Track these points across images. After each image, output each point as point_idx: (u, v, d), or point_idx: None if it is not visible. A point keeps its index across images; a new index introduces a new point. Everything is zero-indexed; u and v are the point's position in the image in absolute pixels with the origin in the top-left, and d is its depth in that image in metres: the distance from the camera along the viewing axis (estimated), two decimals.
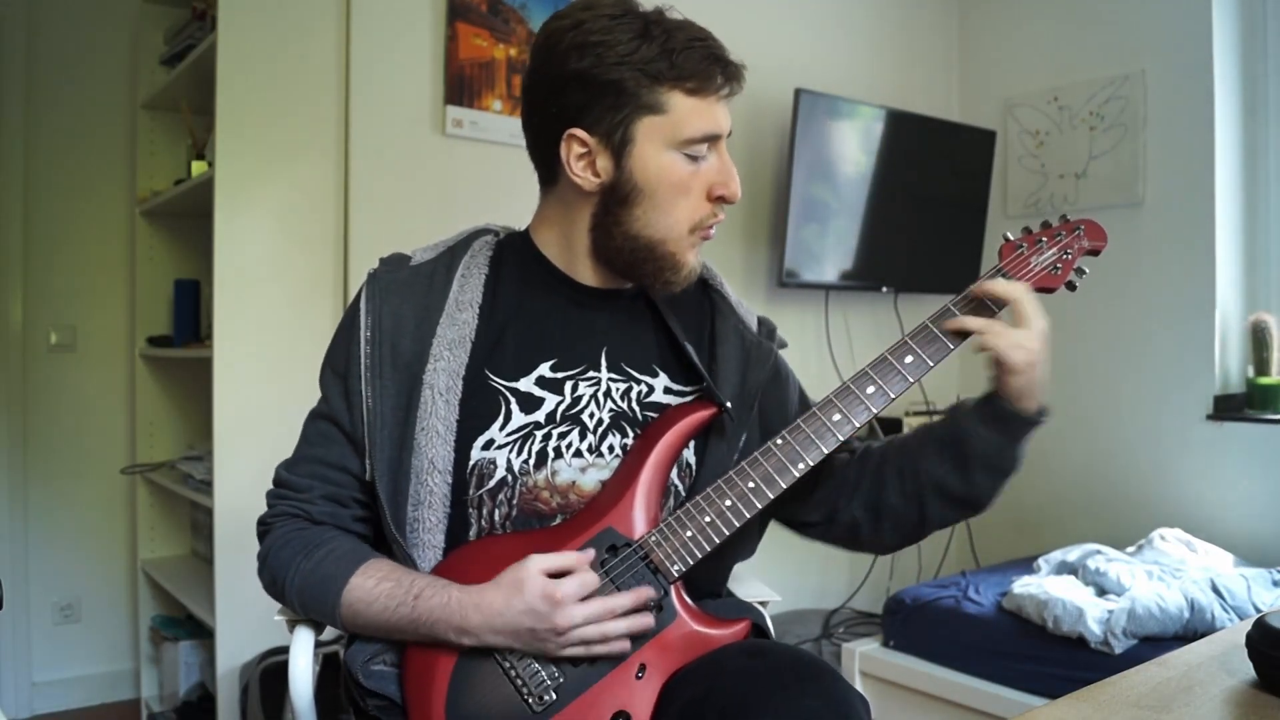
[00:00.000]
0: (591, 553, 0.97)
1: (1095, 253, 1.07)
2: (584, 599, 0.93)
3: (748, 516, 1.00)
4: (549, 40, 1.02)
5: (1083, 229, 1.06)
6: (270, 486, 1.10)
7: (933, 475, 1.07)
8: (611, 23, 0.99)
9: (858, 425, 1.01)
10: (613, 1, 1.01)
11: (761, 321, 1.20)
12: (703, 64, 0.99)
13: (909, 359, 1.02)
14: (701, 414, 1.06)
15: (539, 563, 0.94)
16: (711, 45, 1.01)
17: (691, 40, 0.99)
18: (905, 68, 3.20)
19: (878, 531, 1.13)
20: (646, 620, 0.96)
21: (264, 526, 1.08)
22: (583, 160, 1.02)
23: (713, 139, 1.02)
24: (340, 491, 1.06)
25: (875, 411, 1.01)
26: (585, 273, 1.09)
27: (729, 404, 1.07)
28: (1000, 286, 1.02)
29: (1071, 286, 1.07)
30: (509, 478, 1.02)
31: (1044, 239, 1.07)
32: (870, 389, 1.01)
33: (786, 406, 1.17)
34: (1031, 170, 3.12)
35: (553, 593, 0.92)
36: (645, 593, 0.96)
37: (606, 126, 1.00)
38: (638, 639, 0.97)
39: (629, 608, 0.95)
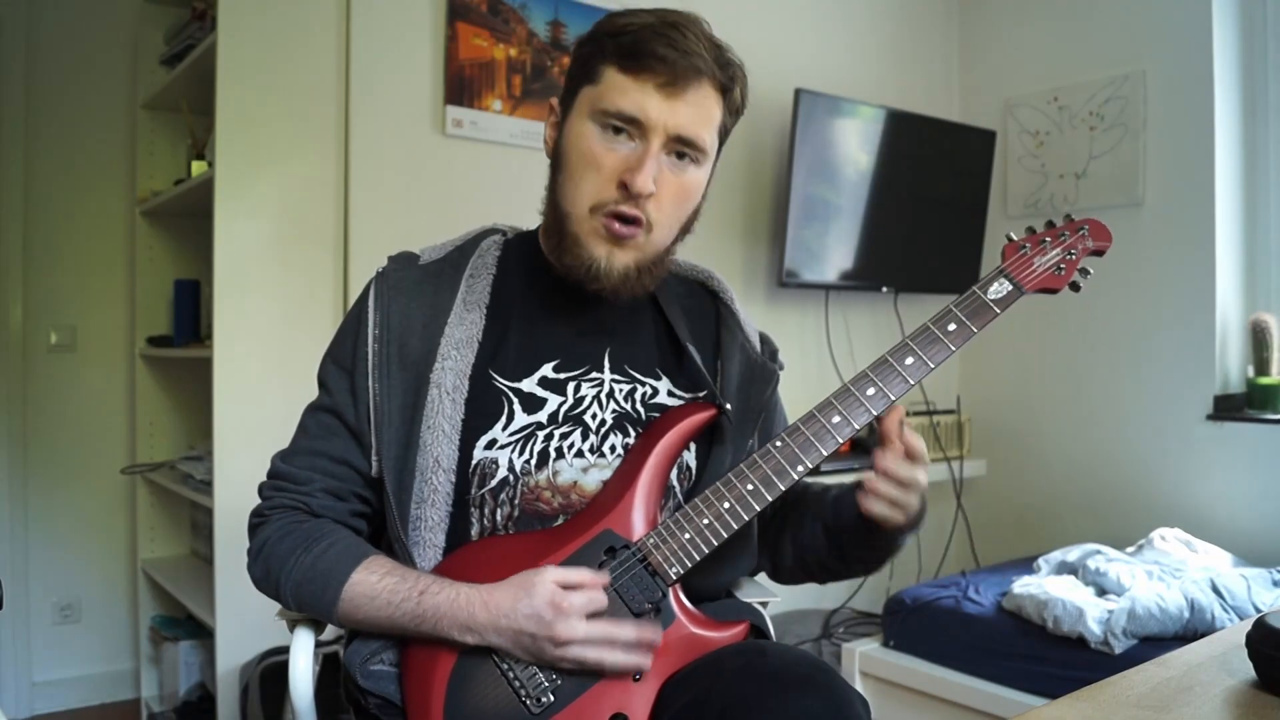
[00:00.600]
0: (608, 576, 0.96)
1: (1100, 253, 1.06)
2: (591, 617, 0.93)
3: (746, 519, 0.99)
4: None
5: (1087, 229, 1.06)
6: (265, 479, 1.08)
7: (818, 555, 1.14)
8: (626, 14, 1.02)
9: (857, 427, 1.00)
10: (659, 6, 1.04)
11: (764, 340, 1.21)
12: (646, 45, 0.98)
13: (909, 360, 1.01)
14: (702, 415, 1.06)
15: (554, 572, 0.94)
16: (673, 36, 0.98)
17: (659, 26, 0.99)
18: (905, 68, 3.20)
19: (781, 580, 1.23)
20: (644, 661, 0.95)
21: (259, 518, 1.06)
22: (553, 129, 1.08)
23: (632, 121, 0.99)
24: (341, 485, 1.05)
25: (875, 414, 1.01)
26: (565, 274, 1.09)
27: (728, 405, 1.07)
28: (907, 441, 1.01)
29: (1075, 287, 1.06)
30: (510, 477, 1.03)
31: (1048, 239, 1.06)
32: (870, 390, 1.01)
33: (768, 441, 1.17)
34: (1031, 170, 3.12)
35: (560, 602, 0.91)
36: (651, 631, 0.95)
37: (566, 95, 1.05)
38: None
39: (631, 640, 0.94)
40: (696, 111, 1.00)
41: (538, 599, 0.92)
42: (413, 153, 2.24)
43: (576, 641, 0.92)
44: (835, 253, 2.80)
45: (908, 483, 1.01)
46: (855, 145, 2.80)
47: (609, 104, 0.99)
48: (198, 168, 2.24)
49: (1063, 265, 1.04)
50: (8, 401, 2.62)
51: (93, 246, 2.72)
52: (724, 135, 1.07)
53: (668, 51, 0.97)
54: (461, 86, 2.28)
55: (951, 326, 1.02)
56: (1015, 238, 1.07)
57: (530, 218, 1.16)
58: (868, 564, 1.13)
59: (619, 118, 0.99)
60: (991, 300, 1.02)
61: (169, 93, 2.50)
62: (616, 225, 1.00)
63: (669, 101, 0.99)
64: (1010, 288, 1.03)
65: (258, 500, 1.08)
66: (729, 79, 1.03)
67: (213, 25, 2.09)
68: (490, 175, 2.32)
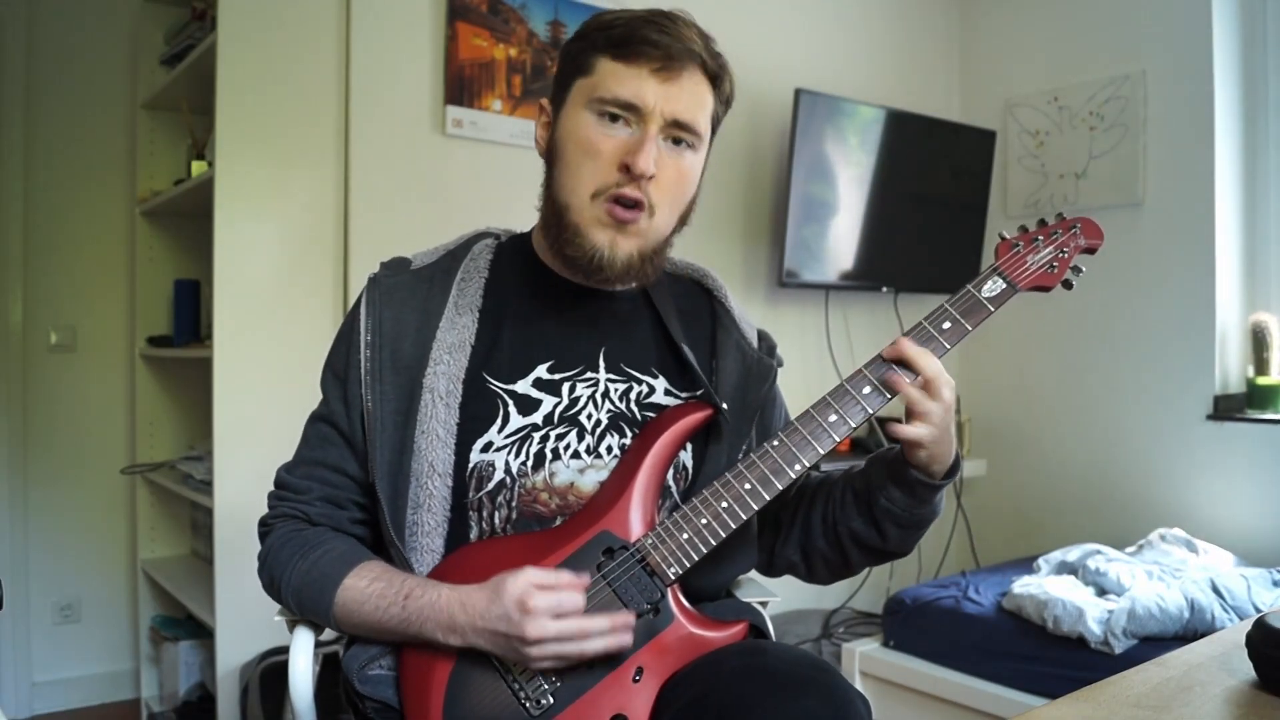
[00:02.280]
0: (587, 578, 0.95)
1: (1092, 251, 1.07)
2: (561, 617, 0.91)
3: (744, 519, 0.99)
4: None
5: (1079, 227, 1.06)
6: (272, 488, 1.10)
7: (849, 527, 1.10)
8: (612, 12, 1.03)
9: (854, 426, 1.00)
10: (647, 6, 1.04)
11: (762, 337, 1.20)
12: (638, 32, 0.99)
13: None
14: (698, 415, 1.06)
15: (531, 574, 0.93)
16: (663, 23, 1.00)
17: (650, 16, 1.00)
18: (905, 68, 3.20)
19: (812, 572, 1.18)
20: (625, 640, 0.94)
21: (265, 527, 1.08)
22: (544, 129, 1.08)
23: (629, 108, 1.00)
24: (338, 493, 1.06)
25: (871, 412, 1.01)
26: (566, 269, 1.09)
27: (725, 405, 1.07)
28: (912, 352, 0.99)
29: (1068, 285, 1.06)
30: (507, 480, 1.03)
31: (1040, 237, 1.06)
32: (866, 389, 1.01)
33: (770, 435, 1.17)
34: (1031, 170, 3.12)
35: (525, 600, 0.90)
36: (624, 617, 0.94)
37: (556, 92, 1.06)
38: (637, 641, 0.96)
39: (605, 629, 0.93)
40: (691, 96, 1.02)
41: (506, 600, 0.91)
42: (413, 153, 2.24)
43: (548, 639, 0.90)
44: (835, 253, 2.80)
45: (926, 374, 0.98)
46: (855, 145, 2.80)
47: (605, 92, 1.00)
48: (198, 168, 2.24)
49: (1055, 263, 1.05)
50: (8, 401, 2.62)
51: (93, 246, 2.72)
52: (716, 124, 1.08)
53: (660, 37, 0.99)
54: (461, 86, 2.28)
55: (946, 325, 1.02)
56: (1007, 236, 1.07)
57: (530, 218, 1.16)
58: (901, 525, 1.06)
59: (616, 104, 1.00)
60: (985, 298, 1.03)
61: (169, 93, 2.50)
62: (619, 210, 1.01)
63: (664, 86, 1.00)
64: (1004, 286, 1.03)
65: (259, 501, 1.11)
66: (719, 68, 1.04)
67: (213, 25, 2.09)
68: (490, 175, 2.32)
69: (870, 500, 1.07)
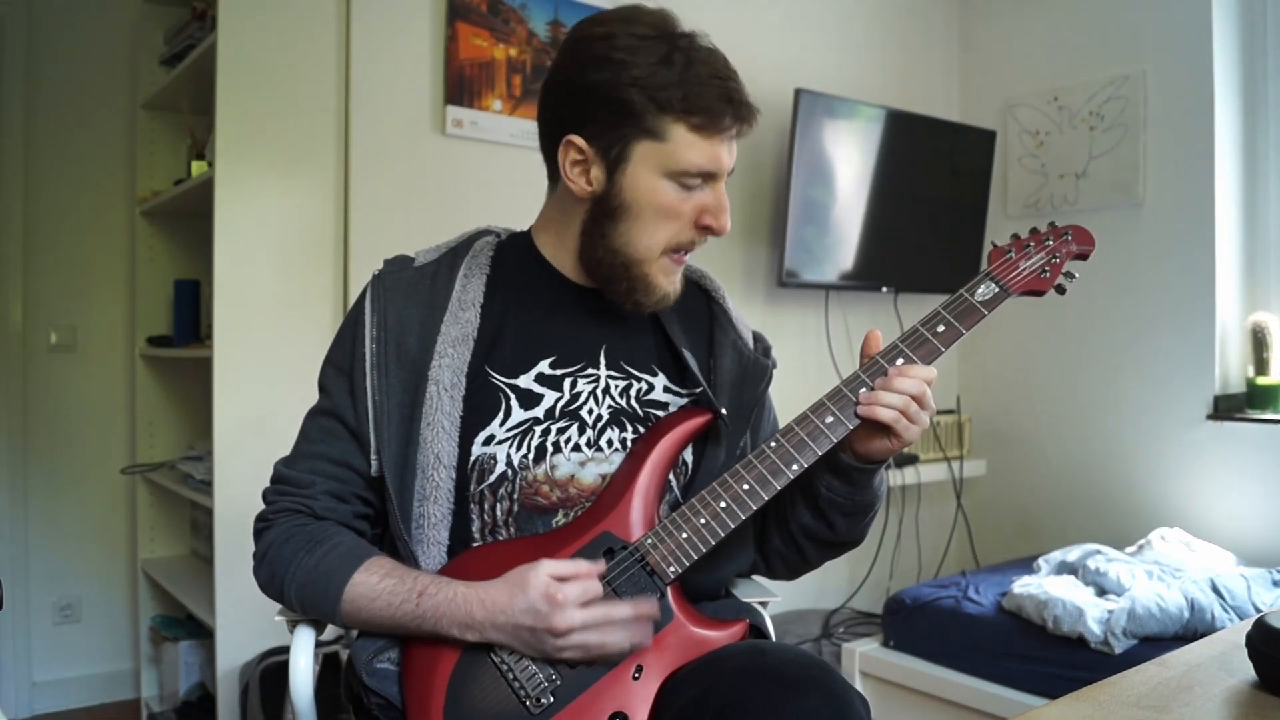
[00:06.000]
0: (603, 564, 0.97)
1: (1084, 256, 1.09)
2: (586, 605, 0.93)
3: (742, 518, 1.00)
4: (577, 44, 1.04)
5: (1070, 234, 1.09)
6: (268, 484, 1.09)
7: (799, 521, 1.13)
8: (639, 42, 1.00)
9: (851, 428, 1.01)
10: (651, 21, 1.02)
11: (758, 338, 1.22)
12: (715, 103, 0.99)
13: (900, 362, 1.03)
14: (698, 420, 1.07)
15: (548, 566, 0.94)
16: (730, 86, 1.01)
17: (711, 77, 1.00)
18: (905, 68, 3.20)
19: (773, 571, 1.21)
20: (646, 631, 0.96)
21: (264, 523, 1.07)
22: (578, 167, 1.04)
23: (709, 176, 1.03)
24: (343, 487, 1.06)
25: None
26: (579, 274, 1.11)
27: (724, 411, 1.08)
28: (898, 383, 1.00)
29: (1061, 290, 1.08)
30: (509, 472, 1.04)
31: (1032, 244, 1.09)
32: (864, 391, 1.02)
33: (758, 436, 1.18)
34: (1031, 170, 3.12)
35: (554, 594, 0.92)
36: (648, 605, 0.96)
37: (606, 140, 1.02)
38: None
39: (629, 617, 0.94)
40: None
41: (532, 593, 0.92)
42: (413, 153, 2.24)
43: (575, 629, 0.92)
44: (835, 253, 2.80)
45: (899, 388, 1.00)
46: (855, 145, 2.80)
47: (687, 165, 1.01)
48: (198, 168, 2.24)
49: (1048, 269, 1.07)
50: (8, 401, 2.62)
51: (93, 246, 2.72)
52: None
53: (731, 108, 1.01)
54: (461, 86, 2.28)
55: (940, 328, 1.04)
56: (999, 244, 1.09)
57: (531, 217, 1.17)
58: (845, 513, 1.09)
59: (700, 175, 1.02)
60: (979, 302, 1.05)
61: (169, 93, 2.50)
62: (681, 256, 1.07)
63: (731, 144, 1.04)
64: (997, 290, 1.05)
65: (260, 504, 1.09)
66: None
67: (213, 25, 2.09)
68: (490, 175, 2.32)
69: (813, 492, 1.09)
